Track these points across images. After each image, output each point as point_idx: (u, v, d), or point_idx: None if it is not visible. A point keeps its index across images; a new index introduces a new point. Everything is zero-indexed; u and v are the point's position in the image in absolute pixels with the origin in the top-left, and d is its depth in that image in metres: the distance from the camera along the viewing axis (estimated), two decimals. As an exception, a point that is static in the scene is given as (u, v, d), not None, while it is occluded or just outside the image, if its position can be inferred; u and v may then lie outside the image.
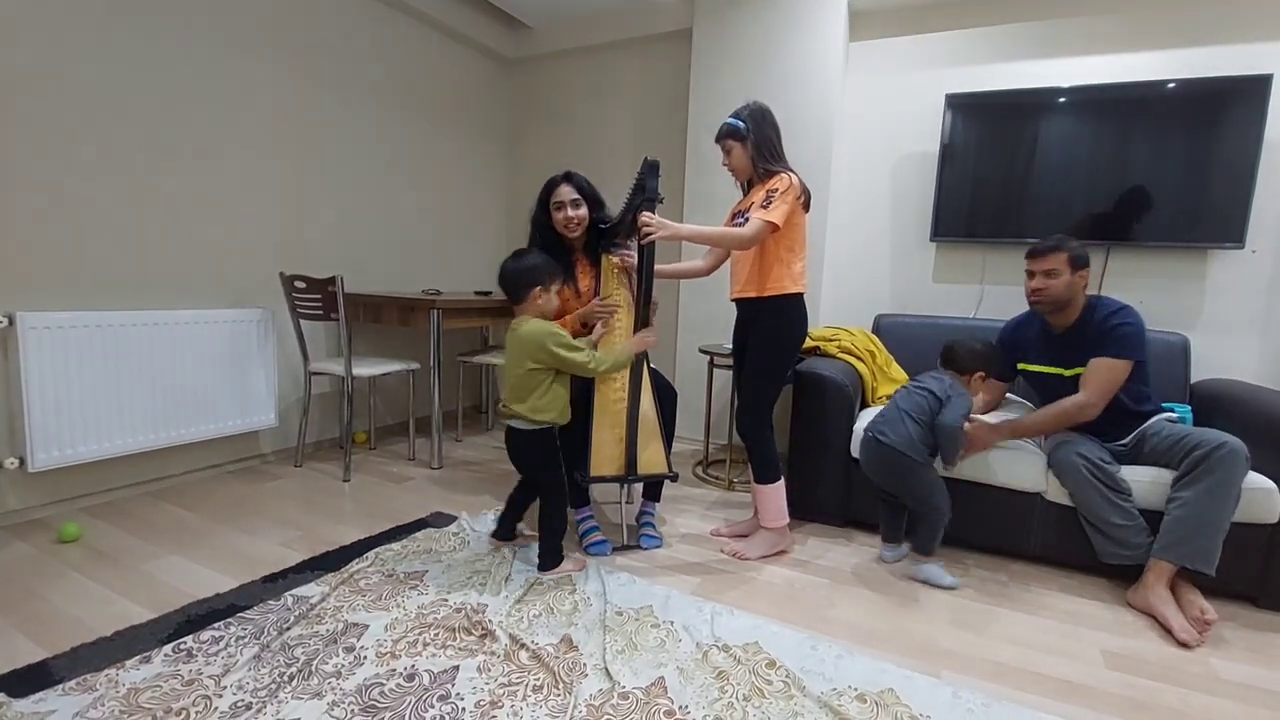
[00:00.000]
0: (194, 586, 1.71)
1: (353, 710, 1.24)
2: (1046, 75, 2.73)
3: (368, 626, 1.52)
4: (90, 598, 1.64)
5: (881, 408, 2.10)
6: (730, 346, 2.24)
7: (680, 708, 1.29)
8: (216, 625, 1.51)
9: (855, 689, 1.37)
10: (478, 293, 3.35)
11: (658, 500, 2.22)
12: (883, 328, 2.87)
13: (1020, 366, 2.15)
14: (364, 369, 2.69)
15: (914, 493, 1.95)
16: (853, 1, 2.92)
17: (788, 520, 2.07)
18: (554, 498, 1.88)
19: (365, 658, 1.40)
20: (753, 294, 1.99)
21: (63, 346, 2.07)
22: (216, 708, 1.23)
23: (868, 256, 3.16)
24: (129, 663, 1.36)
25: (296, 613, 1.57)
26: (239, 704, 1.25)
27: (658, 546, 2.09)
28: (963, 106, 2.80)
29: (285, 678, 1.32)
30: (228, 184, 2.57)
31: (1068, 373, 1.99)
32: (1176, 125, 2.49)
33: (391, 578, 1.78)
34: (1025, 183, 2.72)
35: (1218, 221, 2.45)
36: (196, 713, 1.22)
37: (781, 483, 2.05)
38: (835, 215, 3.13)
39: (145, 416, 2.29)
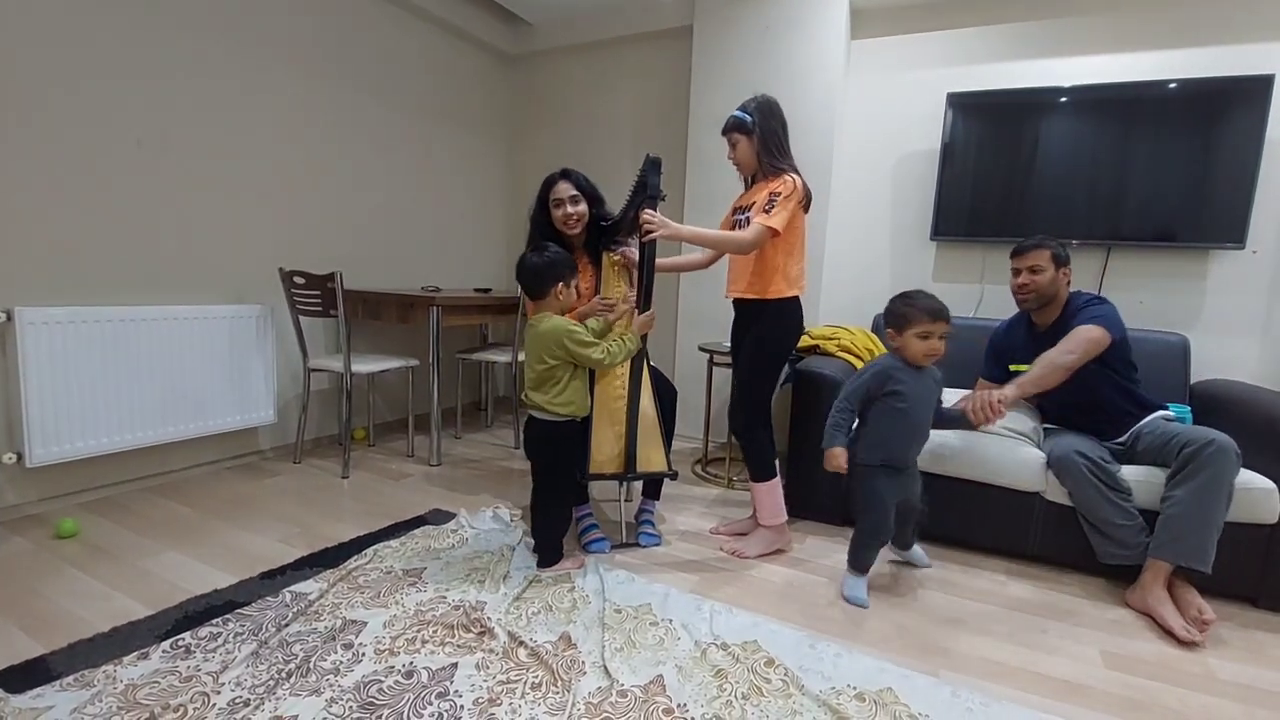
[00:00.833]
0: (192, 583, 1.70)
1: (351, 707, 1.24)
2: (1048, 75, 2.72)
3: (366, 623, 1.52)
4: (88, 594, 1.64)
5: None
6: (729, 345, 2.24)
7: (678, 706, 1.29)
8: (215, 622, 1.51)
9: (854, 688, 1.37)
10: (477, 290, 3.35)
11: (657, 498, 2.22)
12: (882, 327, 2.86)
13: (1012, 368, 2.16)
14: (363, 366, 2.69)
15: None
16: (854, -1, 2.92)
17: (785, 518, 2.07)
18: (558, 493, 1.88)
19: (363, 655, 1.40)
20: (749, 296, 1.99)
21: (61, 342, 2.06)
22: (214, 704, 1.23)
23: (868, 255, 3.16)
24: (127, 659, 1.36)
25: (295, 609, 1.57)
26: (237, 700, 1.24)
27: (656, 544, 2.09)
28: (964, 106, 2.79)
29: (283, 674, 1.32)
30: (227, 179, 2.56)
31: None
32: (1177, 125, 2.49)
33: (390, 575, 1.78)
34: (1026, 182, 2.72)
35: (1218, 221, 2.45)
36: (194, 709, 1.22)
37: (778, 480, 2.05)
38: (835, 213, 3.12)
39: (143, 412, 2.28)
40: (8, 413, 2.02)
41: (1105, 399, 2.00)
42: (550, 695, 1.30)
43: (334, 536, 2.02)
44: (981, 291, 2.91)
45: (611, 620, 1.59)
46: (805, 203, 1.95)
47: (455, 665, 1.38)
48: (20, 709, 1.20)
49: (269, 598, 1.63)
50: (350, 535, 2.03)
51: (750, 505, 2.14)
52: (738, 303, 2.08)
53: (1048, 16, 2.73)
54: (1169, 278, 2.62)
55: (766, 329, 1.99)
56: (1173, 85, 2.49)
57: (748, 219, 1.93)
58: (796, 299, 1.99)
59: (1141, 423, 1.96)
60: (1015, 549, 2.07)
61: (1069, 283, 2.07)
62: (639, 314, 1.95)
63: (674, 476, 2.02)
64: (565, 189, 2.04)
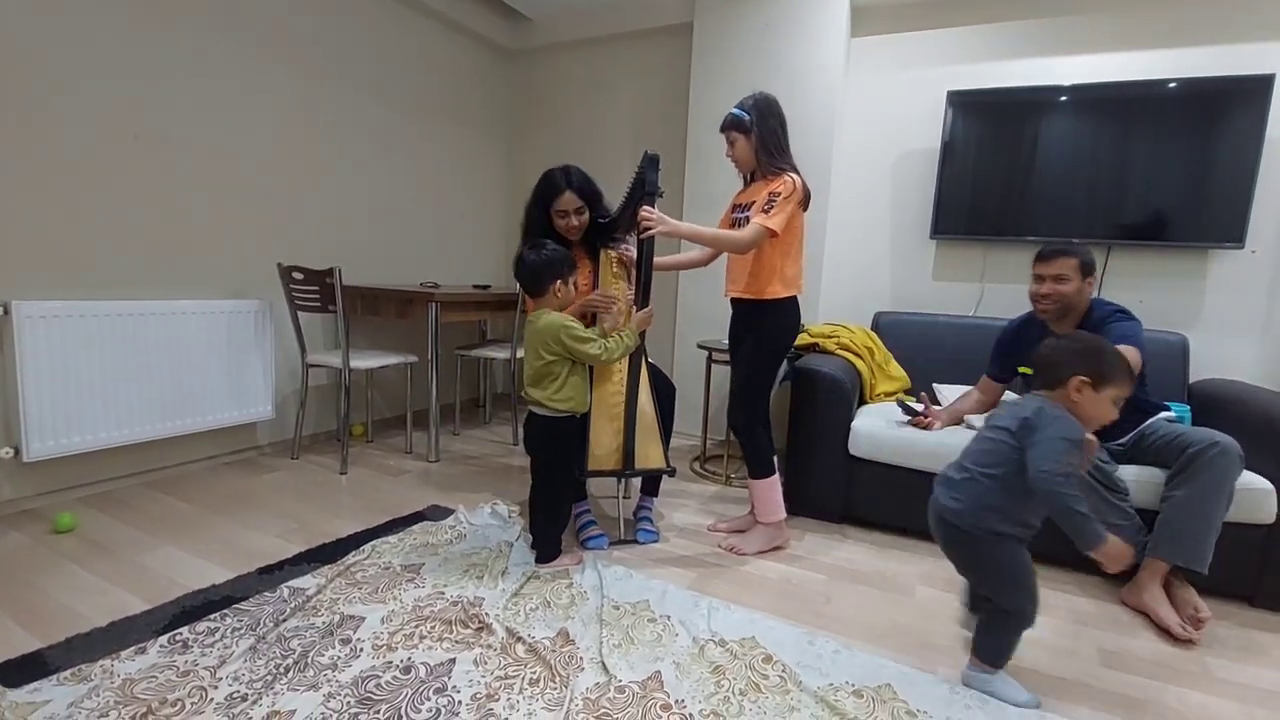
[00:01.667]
0: (190, 578, 1.70)
1: (349, 702, 1.24)
2: (1048, 73, 2.72)
3: (364, 619, 1.52)
4: (85, 588, 1.64)
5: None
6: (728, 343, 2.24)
7: (676, 702, 1.29)
8: (212, 616, 1.51)
9: (852, 684, 1.37)
10: (476, 286, 3.34)
11: (655, 495, 2.22)
12: (882, 325, 2.86)
13: (1021, 370, 2.14)
14: (361, 361, 2.68)
15: (982, 581, 1.44)
16: (855, -3, 2.92)
17: (784, 515, 2.07)
18: (558, 489, 1.88)
19: (361, 650, 1.40)
20: (747, 296, 1.99)
21: (59, 336, 2.06)
22: (212, 699, 1.23)
23: (867, 253, 3.16)
24: (124, 653, 1.36)
25: (293, 605, 1.57)
26: (234, 695, 1.24)
27: (655, 541, 2.09)
28: (964, 104, 2.79)
29: (281, 669, 1.32)
30: (226, 174, 2.55)
31: None
32: (1177, 125, 2.48)
33: (388, 570, 1.77)
34: (1026, 181, 2.72)
35: (1218, 221, 2.45)
36: (192, 704, 1.21)
37: (776, 477, 2.05)
38: (835, 212, 3.12)
39: (141, 407, 2.28)
40: (5, 407, 2.02)
41: None
42: (548, 691, 1.30)
43: (332, 532, 2.02)
44: (981, 290, 2.91)
45: (609, 616, 1.59)
46: (804, 201, 1.95)
47: (453, 661, 1.38)
48: (17, 703, 1.19)
49: (267, 593, 1.62)
50: (348, 531, 2.03)
51: (749, 502, 2.14)
52: (736, 302, 2.08)
53: (1048, 15, 2.73)
54: (1168, 277, 2.62)
55: (765, 328, 2.00)
56: (1173, 84, 2.48)
57: (747, 217, 1.92)
58: (794, 298, 1.99)
59: (1145, 424, 1.95)
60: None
61: (1093, 292, 1.94)
62: (637, 311, 1.95)
63: (672, 473, 2.03)
64: (570, 200, 1.98)
